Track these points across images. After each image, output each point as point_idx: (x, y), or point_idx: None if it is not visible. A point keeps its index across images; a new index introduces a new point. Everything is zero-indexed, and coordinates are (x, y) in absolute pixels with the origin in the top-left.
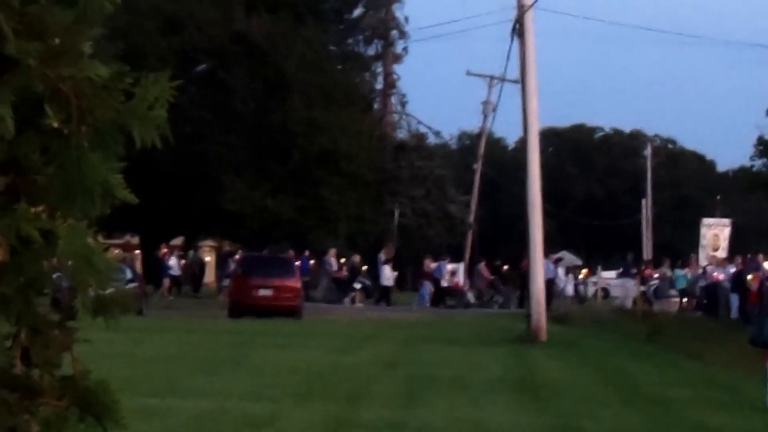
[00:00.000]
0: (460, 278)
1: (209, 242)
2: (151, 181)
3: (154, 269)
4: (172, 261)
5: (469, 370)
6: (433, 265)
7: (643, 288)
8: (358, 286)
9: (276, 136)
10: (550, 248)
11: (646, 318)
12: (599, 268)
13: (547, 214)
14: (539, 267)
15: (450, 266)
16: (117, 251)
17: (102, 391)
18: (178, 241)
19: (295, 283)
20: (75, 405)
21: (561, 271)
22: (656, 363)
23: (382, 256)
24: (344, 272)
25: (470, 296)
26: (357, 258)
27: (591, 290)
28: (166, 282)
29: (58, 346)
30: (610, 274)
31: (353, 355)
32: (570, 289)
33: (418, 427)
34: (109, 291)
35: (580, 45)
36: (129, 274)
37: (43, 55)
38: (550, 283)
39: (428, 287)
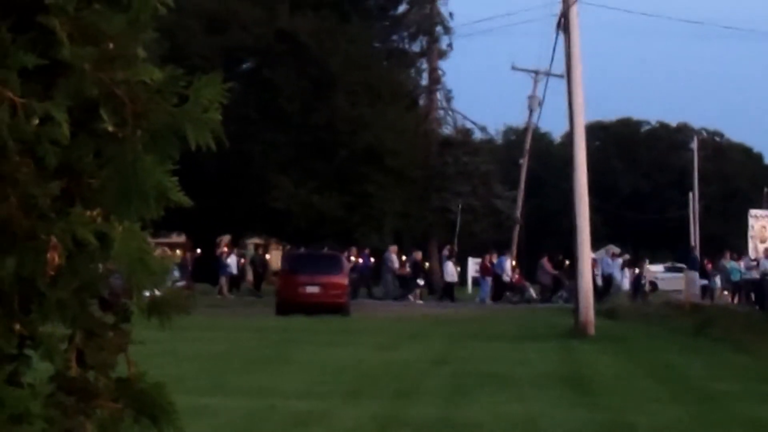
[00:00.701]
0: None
1: (255, 240)
2: (197, 179)
3: (212, 267)
4: (231, 259)
5: (517, 365)
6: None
7: (705, 281)
8: (421, 282)
9: (321, 134)
10: (595, 242)
11: (695, 311)
12: (646, 261)
13: (593, 209)
14: (586, 261)
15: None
16: (177, 251)
17: (157, 392)
18: (225, 239)
19: (343, 279)
20: (130, 407)
21: (618, 265)
22: (706, 357)
23: (446, 252)
24: (407, 269)
25: (532, 291)
26: (419, 255)
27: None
28: (223, 280)
29: (113, 348)
30: (658, 268)
31: (401, 352)
32: (626, 284)
33: (466, 423)
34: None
35: (626, 39)
36: (177, 273)
37: (98, 59)
38: (610, 278)
39: (489, 283)
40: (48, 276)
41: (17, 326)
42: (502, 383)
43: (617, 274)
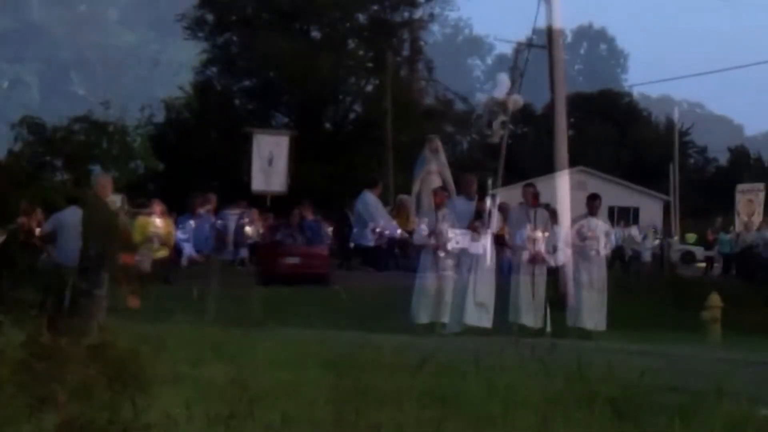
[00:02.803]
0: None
1: (235, 210)
2: (178, 148)
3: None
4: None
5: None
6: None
7: (711, 253)
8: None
9: (306, 104)
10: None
11: (676, 283)
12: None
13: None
14: (566, 233)
15: (537, 234)
16: (192, 222)
17: (130, 359)
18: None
19: (323, 250)
20: (103, 373)
21: (637, 235)
22: (686, 328)
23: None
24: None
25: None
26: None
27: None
28: (245, 251)
29: (86, 315)
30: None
31: (383, 322)
32: (648, 256)
33: (447, 394)
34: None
35: (608, 8)
36: (157, 242)
37: (69, 22)
38: (620, 252)
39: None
40: (19, 241)
41: None
42: (482, 354)
43: (636, 246)
